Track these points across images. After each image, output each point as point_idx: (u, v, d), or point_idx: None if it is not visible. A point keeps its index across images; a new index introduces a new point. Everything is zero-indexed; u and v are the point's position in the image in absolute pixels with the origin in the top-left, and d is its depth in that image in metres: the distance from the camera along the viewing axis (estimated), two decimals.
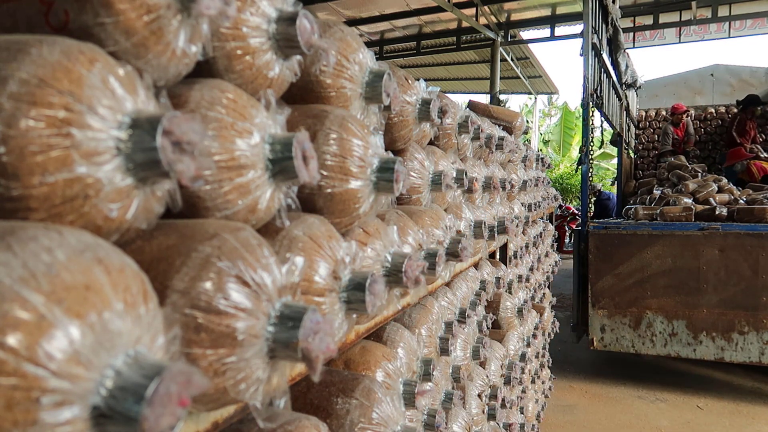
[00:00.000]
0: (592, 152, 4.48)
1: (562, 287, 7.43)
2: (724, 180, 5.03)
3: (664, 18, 8.40)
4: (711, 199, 4.55)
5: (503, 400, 2.01)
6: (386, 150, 0.94)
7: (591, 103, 4.33)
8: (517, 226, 2.17)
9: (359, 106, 0.97)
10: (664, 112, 8.07)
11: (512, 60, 10.52)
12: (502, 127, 2.82)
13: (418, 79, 1.28)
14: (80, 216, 0.44)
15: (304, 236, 0.72)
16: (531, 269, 3.27)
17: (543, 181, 3.76)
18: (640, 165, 8.03)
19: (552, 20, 8.91)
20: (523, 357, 2.55)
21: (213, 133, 0.59)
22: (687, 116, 7.43)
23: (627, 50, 6.36)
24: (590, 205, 5.48)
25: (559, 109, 17.95)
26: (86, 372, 0.34)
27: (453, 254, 1.30)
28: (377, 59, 1.02)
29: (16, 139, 0.40)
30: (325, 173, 0.79)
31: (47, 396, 0.32)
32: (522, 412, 2.69)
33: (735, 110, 7.61)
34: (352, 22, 8.94)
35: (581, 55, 4.29)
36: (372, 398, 0.91)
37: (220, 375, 0.50)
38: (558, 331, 4.03)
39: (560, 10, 8.74)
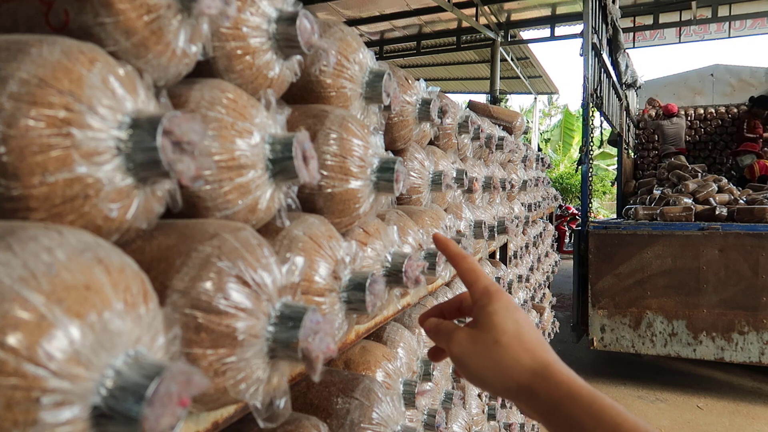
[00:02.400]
0: (591, 152, 4.48)
1: (562, 287, 7.43)
2: (724, 180, 5.03)
3: (664, 18, 8.40)
4: (711, 199, 4.55)
5: (503, 399, 2.01)
6: (386, 150, 0.94)
7: (591, 103, 4.33)
8: (517, 226, 2.17)
9: (359, 106, 0.97)
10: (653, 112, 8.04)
11: (512, 60, 10.52)
12: (502, 127, 2.82)
13: (418, 79, 1.28)
14: (80, 216, 0.44)
15: (304, 236, 0.72)
16: (531, 269, 3.27)
17: (543, 181, 3.76)
18: (640, 165, 8.03)
19: (552, 20, 8.90)
20: None
21: (213, 133, 0.59)
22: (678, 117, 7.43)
23: (627, 50, 6.36)
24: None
25: (559, 110, 17.95)
26: (86, 372, 0.34)
27: None
28: (377, 59, 1.02)
29: (16, 139, 0.40)
30: (325, 173, 0.79)
31: (47, 396, 0.32)
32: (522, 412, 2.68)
33: (738, 109, 7.60)
34: (352, 22, 8.94)
35: (581, 55, 4.29)
36: (372, 398, 0.91)
37: (220, 375, 0.50)
38: (558, 331, 4.03)
39: (560, 10, 8.73)
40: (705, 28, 8.52)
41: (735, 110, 7.83)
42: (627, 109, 6.78)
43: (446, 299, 1.62)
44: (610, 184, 14.34)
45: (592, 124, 4.48)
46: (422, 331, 1.37)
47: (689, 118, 8.03)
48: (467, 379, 0.55)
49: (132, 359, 0.37)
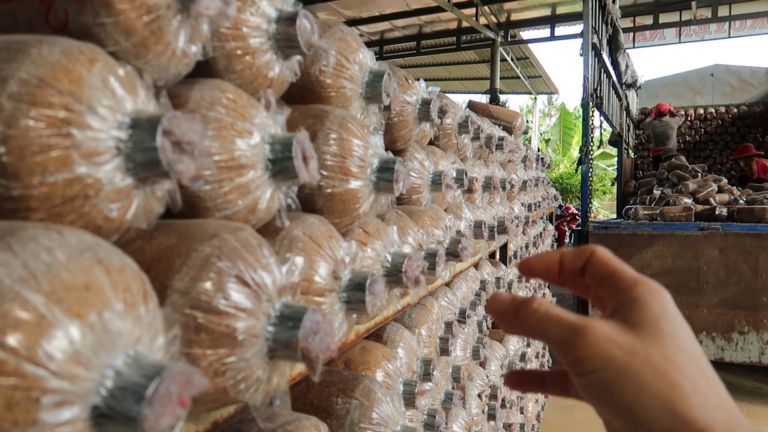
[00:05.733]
0: (591, 152, 4.48)
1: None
2: (724, 180, 5.03)
3: (664, 18, 8.40)
4: (711, 199, 4.55)
5: (503, 400, 2.01)
6: (386, 150, 0.94)
7: (591, 103, 4.33)
8: (517, 226, 2.17)
9: (359, 106, 0.97)
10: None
11: (512, 60, 10.52)
12: (502, 127, 2.82)
13: (418, 79, 1.28)
14: (80, 216, 0.44)
15: (304, 236, 0.72)
16: None
17: (543, 181, 3.76)
18: (640, 165, 8.03)
19: (552, 20, 8.90)
20: (523, 357, 2.54)
21: (213, 133, 0.59)
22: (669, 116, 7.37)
23: (627, 50, 6.35)
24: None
25: (557, 109, 17.95)
26: (86, 372, 0.34)
27: (453, 254, 1.30)
28: (377, 59, 1.02)
29: (16, 139, 0.40)
30: (325, 173, 0.79)
31: (47, 396, 0.32)
32: (522, 412, 2.68)
33: (738, 109, 7.59)
34: (352, 22, 8.94)
35: (581, 55, 4.29)
36: (372, 398, 0.91)
37: (220, 375, 0.50)
38: None
39: (560, 10, 8.73)
40: (705, 28, 8.51)
41: (735, 110, 7.83)
42: (627, 109, 6.78)
43: (446, 300, 1.61)
44: (610, 184, 14.34)
45: (592, 124, 4.48)
46: (422, 330, 1.38)
47: (689, 118, 8.02)
48: (602, 411, 0.34)
49: (132, 359, 0.37)
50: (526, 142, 9.64)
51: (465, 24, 8.92)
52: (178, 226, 0.56)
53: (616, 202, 7.08)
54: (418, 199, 1.30)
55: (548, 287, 4.12)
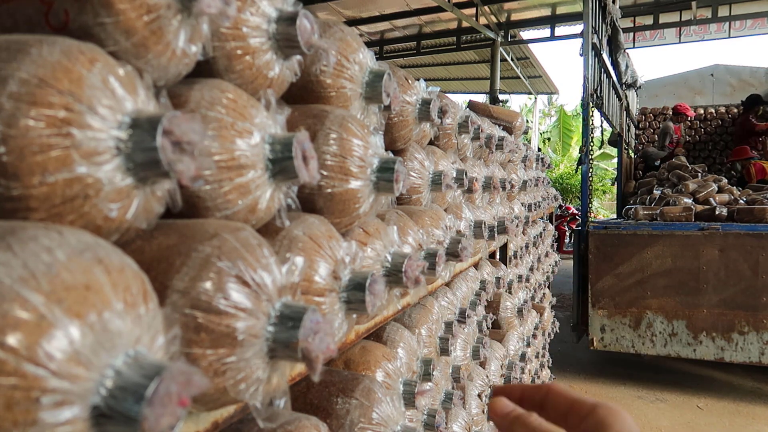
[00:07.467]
0: (591, 152, 4.48)
1: (562, 287, 7.42)
2: (724, 180, 5.03)
3: (664, 18, 8.40)
4: (711, 199, 4.55)
5: None
6: (386, 150, 0.94)
7: (591, 103, 4.33)
8: (517, 226, 2.17)
9: (359, 106, 0.97)
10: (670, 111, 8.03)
11: (512, 60, 10.52)
12: (502, 127, 2.82)
13: (418, 79, 1.28)
14: (80, 216, 0.44)
15: (304, 236, 0.72)
16: (531, 269, 3.27)
17: (543, 181, 3.76)
18: (640, 165, 8.04)
19: (552, 20, 8.90)
20: (523, 357, 2.55)
21: (213, 133, 0.59)
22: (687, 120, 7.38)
23: (627, 50, 6.35)
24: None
25: (558, 110, 17.95)
26: (86, 372, 0.34)
27: (453, 254, 1.30)
28: (377, 59, 1.02)
29: (16, 139, 0.40)
30: (325, 173, 0.79)
31: (47, 396, 0.32)
32: None
33: (738, 110, 7.60)
34: (352, 22, 8.94)
35: (581, 55, 4.28)
36: (372, 398, 0.91)
37: (220, 375, 0.50)
38: (558, 331, 4.03)
39: (560, 10, 8.73)
40: (705, 28, 8.51)
41: (735, 110, 7.83)
42: (627, 109, 6.78)
43: (446, 300, 1.61)
44: (610, 183, 14.34)
45: (592, 124, 4.48)
46: (422, 330, 1.38)
47: (689, 118, 8.02)
48: None
49: (132, 359, 0.37)
50: (526, 142, 9.63)
51: (465, 24, 8.92)
52: (178, 226, 0.56)
53: (616, 202, 7.08)
54: (418, 199, 1.30)
55: (548, 287, 4.12)
